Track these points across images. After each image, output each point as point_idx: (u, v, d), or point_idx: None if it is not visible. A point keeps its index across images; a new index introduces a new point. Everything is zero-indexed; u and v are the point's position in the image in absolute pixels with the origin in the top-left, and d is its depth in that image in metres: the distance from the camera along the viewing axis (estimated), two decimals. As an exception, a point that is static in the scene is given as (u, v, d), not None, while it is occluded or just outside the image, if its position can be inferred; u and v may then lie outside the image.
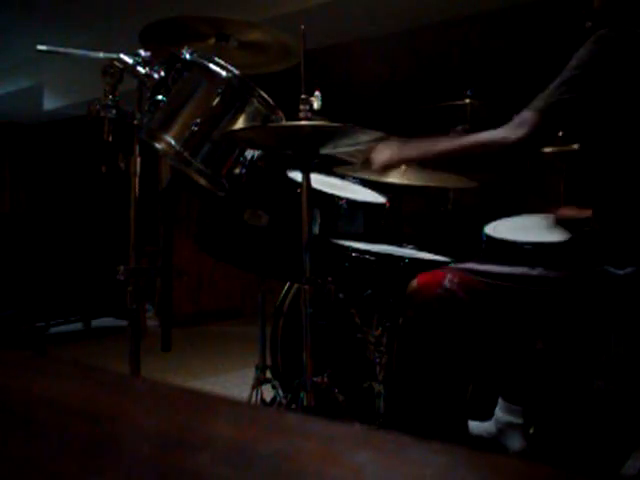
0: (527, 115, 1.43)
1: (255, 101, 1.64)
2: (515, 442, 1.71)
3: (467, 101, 2.98)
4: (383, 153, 1.64)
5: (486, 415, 1.78)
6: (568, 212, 1.76)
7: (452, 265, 1.60)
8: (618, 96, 1.40)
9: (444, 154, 1.59)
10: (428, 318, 1.51)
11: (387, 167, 1.70)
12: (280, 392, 2.02)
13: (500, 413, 1.73)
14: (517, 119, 1.45)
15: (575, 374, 1.86)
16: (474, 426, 1.80)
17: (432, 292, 1.49)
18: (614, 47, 1.39)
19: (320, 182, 1.84)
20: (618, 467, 1.62)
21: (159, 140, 1.59)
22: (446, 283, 1.48)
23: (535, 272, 1.46)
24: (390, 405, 1.79)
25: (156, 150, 1.61)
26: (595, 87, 1.40)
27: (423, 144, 1.64)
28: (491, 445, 1.72)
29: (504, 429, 1.72)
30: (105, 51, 1.67)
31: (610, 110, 1.42)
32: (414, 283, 1.54)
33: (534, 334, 1.75)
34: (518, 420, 1.71)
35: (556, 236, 1.78)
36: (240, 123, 1.62)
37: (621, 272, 1.39)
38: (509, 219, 2.10)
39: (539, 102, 1.43)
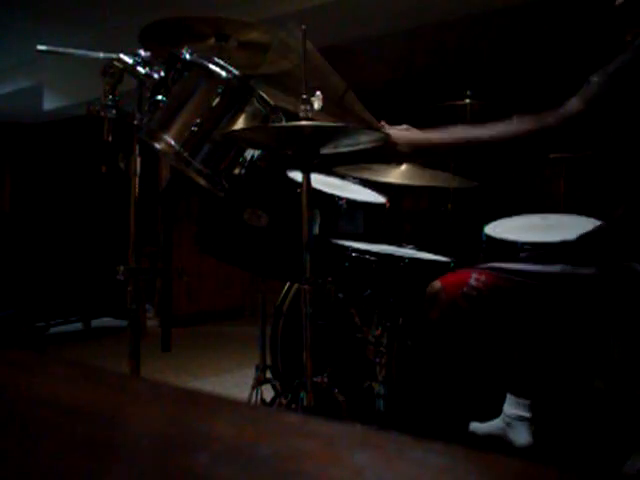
0: (572, 104, 1.37)
1: (255, 101, 1.64)
2: (521, 437, 1.70)
3: (467, 101, 2.99)
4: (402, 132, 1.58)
5: (493, 415, 1.78)
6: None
7: (477, 265, 1.56)
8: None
9: (481, 141, 1.51)
10: (456, 317, 1.49)
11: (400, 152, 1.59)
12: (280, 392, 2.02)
13: (508, 408, 1.73)
14: (562, 108, 1.38)
15: (575, 374, 1.86)
16: (481, 427, 1.79)
17: (459, 291, 1.46)
18: None
19: (320, 182, 1.84)
20: (618, 467, 1.62)
21: (159, 140, 1.58)
22: (472, 281, 1.46)
23: (562, 270, 1.41)
24: (390, 405, 1.79)
25: (156, 150, 1.61)
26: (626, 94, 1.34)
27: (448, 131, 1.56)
28: (497, 442, 1.72)
29: (512, 422, 1.71)
30: (105, 51, 1.67)
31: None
32: (437, 284, 1.51)
33: (555, 331, 1.73)
34: (526, 414, 1.70)
35: (556, 235, 1.78)
36: (240, 123, 1.62)
37: None
38: (509, 219, 2.11)
39: (583, 94, 1.36)
